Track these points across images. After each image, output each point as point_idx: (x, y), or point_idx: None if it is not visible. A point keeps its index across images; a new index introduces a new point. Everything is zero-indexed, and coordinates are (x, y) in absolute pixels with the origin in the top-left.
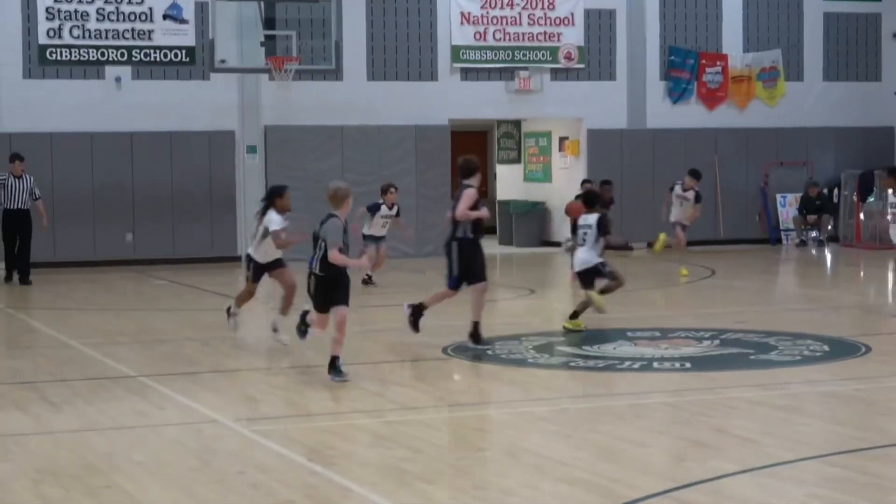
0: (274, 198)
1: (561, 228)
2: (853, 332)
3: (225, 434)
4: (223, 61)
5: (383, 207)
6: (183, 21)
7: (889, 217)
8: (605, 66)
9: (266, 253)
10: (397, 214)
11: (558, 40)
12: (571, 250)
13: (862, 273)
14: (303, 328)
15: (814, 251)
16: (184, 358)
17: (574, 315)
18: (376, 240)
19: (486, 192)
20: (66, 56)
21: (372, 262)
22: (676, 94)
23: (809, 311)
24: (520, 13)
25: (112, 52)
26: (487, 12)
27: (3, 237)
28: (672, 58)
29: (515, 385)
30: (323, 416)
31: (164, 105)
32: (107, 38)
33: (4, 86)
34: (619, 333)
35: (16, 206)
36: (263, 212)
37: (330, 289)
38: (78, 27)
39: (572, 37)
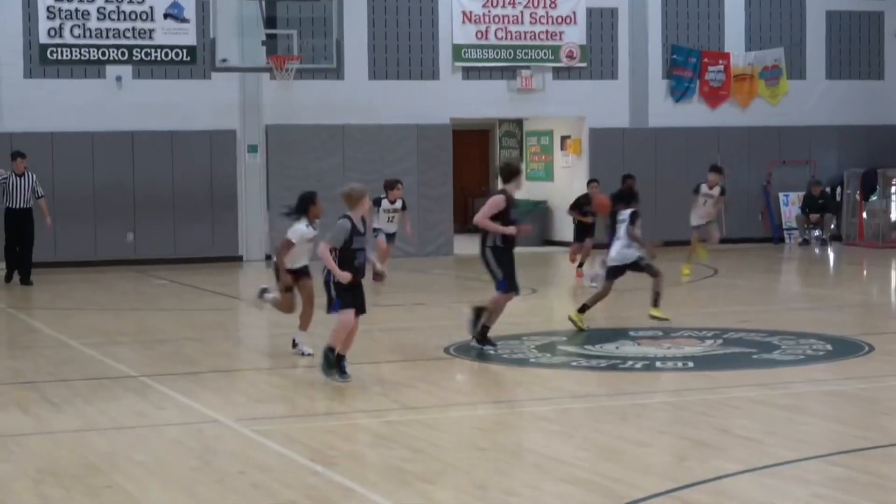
0: (308, 206)
1: (563, 227)
2: (856, 331)
3: (226, 434)
4: (224, 60)
5: (384, 202)
6: (184, 20)
7: None
8: (607, 65)
9: (294, 258)
10: (403, 208)
11: (560, 39)
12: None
13: (865, 272)
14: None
15: (817, 250)
16: (184, 358)
17: (583, 308)
18: (387, 236)
19: (487, 192)
20: (66, 55)
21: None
22: (679, 92)
23: (812, 311)
24: (521, 12)
25: (113, 52)
26: (489, 11)
27: (5, 236)
28: (674, 56)
29: (517, 385)
30: (324, 416)
31: (165, 104)
32: (107, 37)
33: (5, 85)
34: (622, 333)
35: (18, 206)
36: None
37: (348, 290)
38: (79, 26)
39: (574, 35)
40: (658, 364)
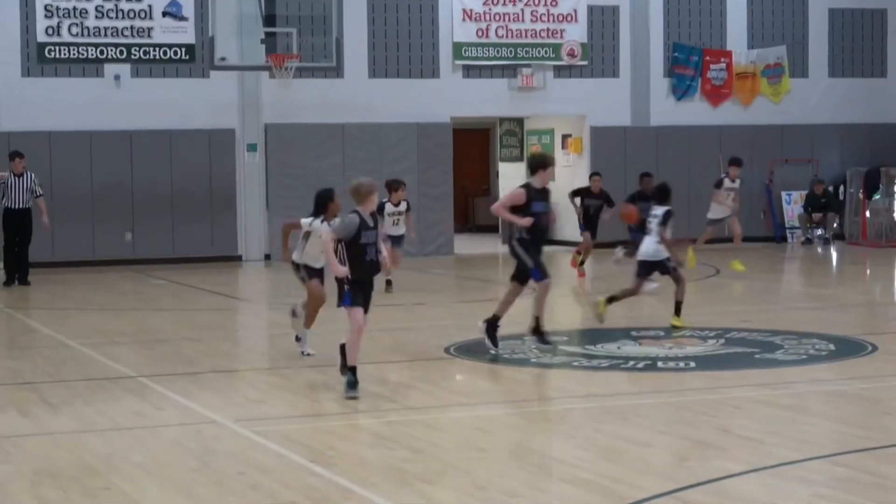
0: (327, 204)
1: (563, 227)
2: (859, 330)
3: (225, 435)
4: (223, 59)
5: (388, 205)
6: (182, 18)
7: None
8: (609, 63)
9: (314, 257)
10: (408, 209)
11: (561, 37)
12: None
13: (868, 271)
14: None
15: (819, 249)
16: (183, 358)
17: (611, 299)
18: (394, 240)
19: (488, 191)
20: (64, 54)
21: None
22: (680, 90)
23: (815, 310)
24: (522, 10)
25: (111, 50)
26: (490, 9)
27: (4, 237)
28: (676, 54)
29: (518, 385)
30: (324, 416)
31: (164, 103)
32: (106, 35)
33: (3, 84)
34: (623, 333)
35: (17, 206)
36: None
37: (342, 288)
38: (76, 25)
39: (575, 33)
40: (660, 364)
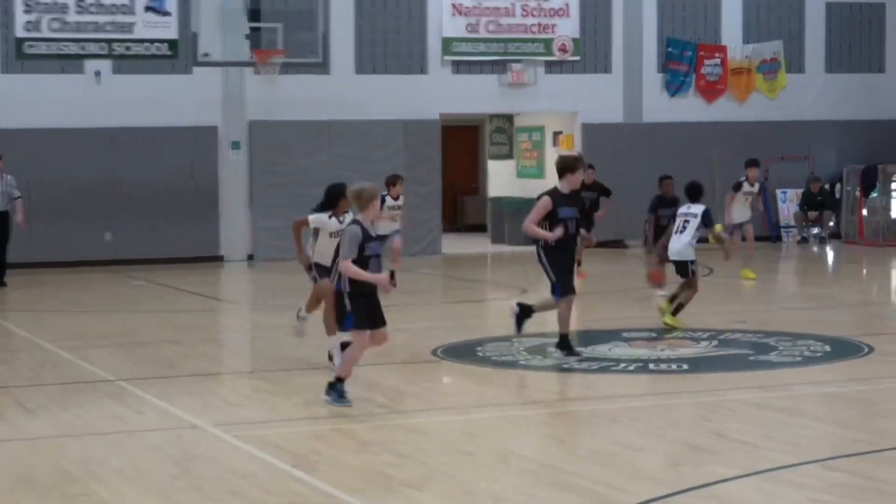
0: (339, 199)
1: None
2: (855, 331)
3: (205, 439)
4: (206, 55)
5: (388, 199)
6: (165, 13)
7: None
8: (601, 59)
9: (321, 254)
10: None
11: (553, 32)
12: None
13: (864, 271)
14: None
15: (815, 248)
16: (163, 361)
17: (677, 310)
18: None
19: (476, 189)
20: (44, 50)
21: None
22: (674, 86)
23: (810, 310)
24: (513, 4)
25: (92, 46)
26: (480, 3)
27: None
28: (670, 49)
29: (506, 387)
30: (307, 420)
31: (146, 100)
32: (87, 31)
33: None
34: (615, 334)
35: None
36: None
37: (342, 307)
38: (57, 20)
39: (567, 28)
40: (652, 366)
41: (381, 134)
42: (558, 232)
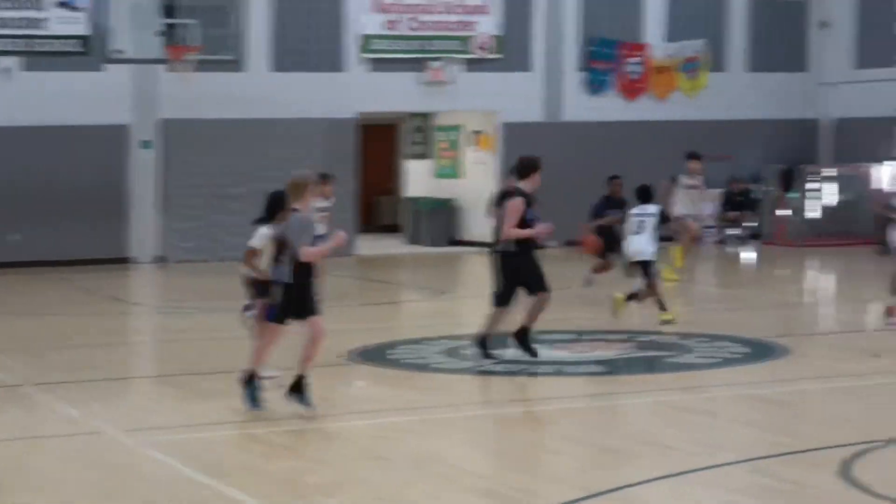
0: (282, 208)
1: (472, 227)
2: (773, 333)
3: (113, 446)
4: (119, 51)
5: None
6: (78, 9)
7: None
8: (522, 57)
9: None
10: None
11: (473, 29)
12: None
13: (783, 272)
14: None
15: (735, 249)
16: (71, 366)
17: (662, 307)
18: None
19: (393, 189)
20: None
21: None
22: (595, 85)
23: (728, 312)
24: (433, 1)
25: (2, 42)
26: (400, 0)
27: None
28: (591, 48)
29: (422, 391)
30: (218, 425)
31: (56, 97)
32: None
33: None
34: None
35: None
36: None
37: (303, 298)
38: None
39: (488, 26)
40: (570, 369)
41: (298, 133)
42: (543, 227)
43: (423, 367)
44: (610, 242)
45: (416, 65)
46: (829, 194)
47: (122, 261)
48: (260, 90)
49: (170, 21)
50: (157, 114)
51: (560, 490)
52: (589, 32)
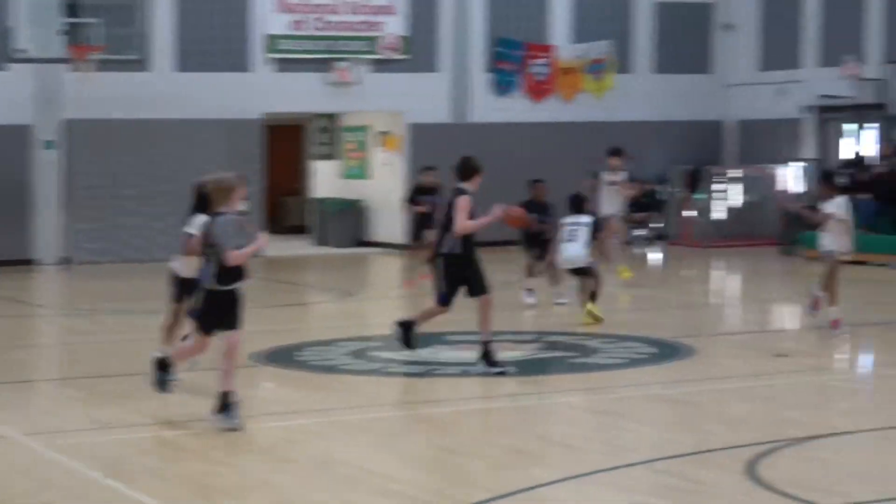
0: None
1: (380, 228)
2: (679, 333)
3: (14, 450)
4: (21, 50)
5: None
6: None
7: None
8: (428, 58)
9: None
10: None
11: (380, 30)
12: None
13: (688, 272)
14: (163, 377)
15: (641, 250)
16: None
17: (593, 297)
18: None
19: (299, 190)
20: None
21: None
22: (502, 86)
23: (634, 312)
24: (339, 1)
25: None
26: (306, 0)
27: None
28: (498, 49)
29: (328, 392)
30: (122, 428)
31: None
32: None
33: None
34: (436, 338)
35: None
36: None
37: (226, 307)
38: None
39: (394, 26)
40: (476, 370)
41: (203, 133)
42: (497, 210)
43: (330, 369)
44: (538, 247)
45: (323, 65)
46: (735, 195)
47: (26, 262)
48: (164, 90)
49: (73, 20)
50: (60, 114)
51: (468, 491)
52: (496, 33)
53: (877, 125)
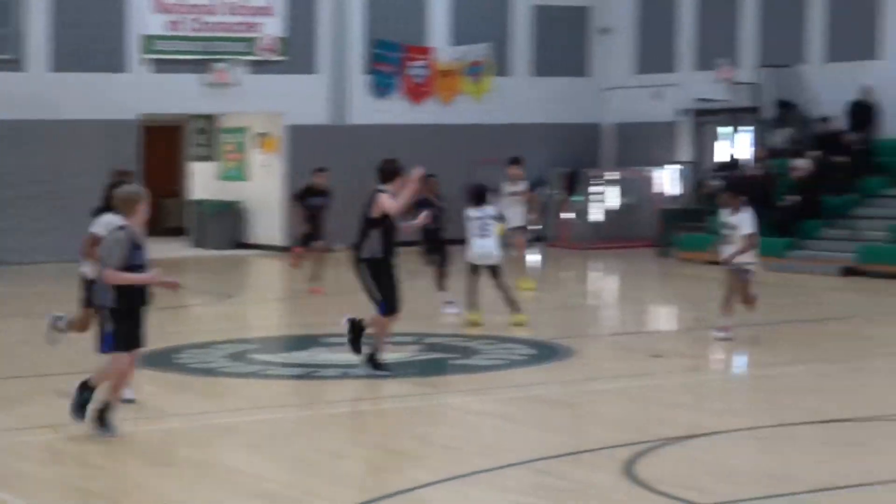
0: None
1: (259, 230)
2: (557, 334)
3: None
4: None
5: None
6: None
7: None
8: (307, 59)
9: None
10: None
11: (258, 31)
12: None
13: (567, 274)
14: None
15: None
16: None
17: (516, 308)
18: None
19: (177, 191)
20: None
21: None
22: (381, 88)
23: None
24: (217, 1)
25: None
26: (183, 0)
27: None
28: (376, 51)
29: (205, 395)
30: (2, 432)
31: None
32: None
33: None
34: (313, 340)
35: None
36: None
37: (126, 324)
38: None
39: (273, 27)
40: (354, 371)
41: (79, 134)
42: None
43: (209, 372)
44: (438, 253)
45: (200, 66)
46: (612, 198)
47: None
48: (40, 91)
49: None
50: None
51: (345, 493)
52: (374, 35)
53: (751, 128)
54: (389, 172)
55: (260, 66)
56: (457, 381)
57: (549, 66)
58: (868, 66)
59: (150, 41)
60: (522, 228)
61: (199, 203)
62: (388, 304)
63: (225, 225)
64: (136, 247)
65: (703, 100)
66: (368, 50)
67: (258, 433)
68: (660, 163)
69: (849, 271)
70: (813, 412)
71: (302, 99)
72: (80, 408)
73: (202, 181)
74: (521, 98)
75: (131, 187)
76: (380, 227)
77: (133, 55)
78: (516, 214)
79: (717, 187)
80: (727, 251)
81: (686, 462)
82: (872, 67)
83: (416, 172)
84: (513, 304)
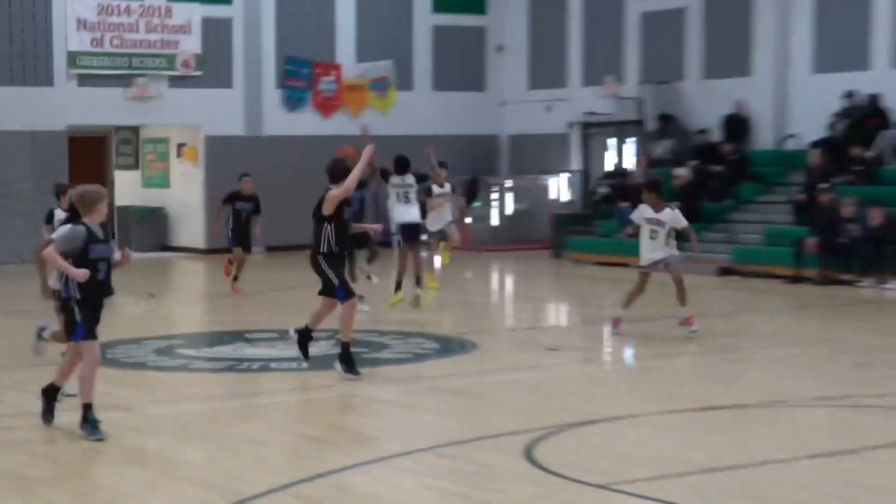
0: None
1: (181, 234)
2: (460, 330)
3: None
4: None
5: (58, 212)
6: None
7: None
8: (223, 74)
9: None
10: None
11: (176, 48)
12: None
13: (468, 275)
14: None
15: (424, 253)
16: None
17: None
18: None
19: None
20: None
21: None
22: (293, 102)
23: (419, 311)
24: (137, 20)
25: None
26: (104, 19)
27: None
28: (287, 67)
29: (136, 388)
30: None
31: None
32: None
33: None
34: (237, 336)
35: None
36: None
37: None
38: None
39: (190, 44)
40: (274, 365)
41: (6, 145)
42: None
43: (139, 366)
44: (365, 247)
45: (124, 80)
46: (509, 203)
47: None
48: None
49: None
50: None
51: (269, 477)
52: (285, 52)
53: (635, 139)
54: (339, 172)
55: (179, 81)
56: (367, 374)
57: (449, 82)
58: (741, 83)
59: (75, 57)
60: (441, 232)
61: (125, 209)
62: (344, 289)
63: (149, 229)
64: (93, 240)
65: (591, 113)
66: (280, 66)
67: (185, 423)
68: (553, 171)
69: (725, 271)
70: (697, 399)
71: (219, 112)
72: (48, 413)
73: (127, 188)
74: (423, 111)
75: (91, 186)
76: (332, 224)
77: (60, 70)
78: (443, 217)
79: (605, 194)
80: (652, 247)
81: (582, 446)
82: (745, 83)
83: (368, 150)
84: (419, 280)
